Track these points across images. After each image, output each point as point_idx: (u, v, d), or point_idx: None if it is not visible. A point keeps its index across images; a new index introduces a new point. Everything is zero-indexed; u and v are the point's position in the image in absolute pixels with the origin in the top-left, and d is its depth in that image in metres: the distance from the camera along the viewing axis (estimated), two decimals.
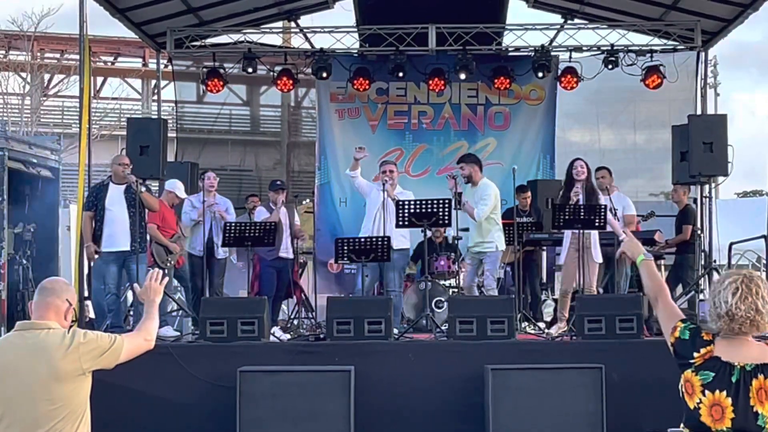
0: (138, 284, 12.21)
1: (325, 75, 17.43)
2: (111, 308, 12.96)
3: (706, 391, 4.64)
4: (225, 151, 21.08)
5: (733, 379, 4.62)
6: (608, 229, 12.78)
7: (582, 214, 12.64)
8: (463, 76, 17.34)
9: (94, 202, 13.01)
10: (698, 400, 4.65)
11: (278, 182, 14.49)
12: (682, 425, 4.76)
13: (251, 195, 16.26)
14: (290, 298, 14.61)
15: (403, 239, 13.68)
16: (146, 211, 13.10)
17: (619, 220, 13.16)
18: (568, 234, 13.14)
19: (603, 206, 12.69)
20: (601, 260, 13.03)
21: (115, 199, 12.87)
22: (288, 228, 13.99)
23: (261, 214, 14.10)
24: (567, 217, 12.69)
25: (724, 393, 4.61)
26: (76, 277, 13.05)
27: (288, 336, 12.99)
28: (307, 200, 16.36)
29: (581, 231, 12.69)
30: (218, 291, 14.00)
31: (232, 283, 15.40)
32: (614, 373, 10.84)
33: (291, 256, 14.01)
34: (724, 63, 39.45)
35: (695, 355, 4.71)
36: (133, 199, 12.83)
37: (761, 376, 4.62)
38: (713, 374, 4.65)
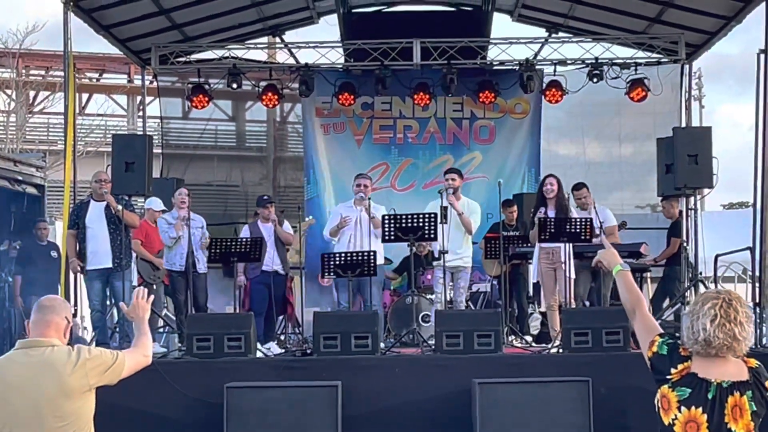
0: (123, 301, 12.28)
1: (309, 92, 17.44)
2: (96, 325, 13.00)
3: (682, 407, 4.63)
4: (211, 167, 21.04)
5: (710, 396, 4.61)
6: (595, 241, 12.80)
7: (569, 227, 12.66)
8: (443, 91, 17.38)
9: (76, 221, 13.06)
10: (674, 416, 4.64)
11: (265, 197, 14.50)
12: None
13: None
14: (284, 313, 14.57)
15: (380, 255, 13.77)
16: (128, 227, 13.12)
17: (603, 233, 13.16)
18: (537, 250, 13.21)
19: (588, 219, 12.71)
20: (574, 276, 13.03)
21: (96, 217, 12.92)
22: (274, 242, 13.93)
23: (245, 234, 14.06)
24: (553, 230, 12.71)
25: (700, 409, 4.61)
26: (62, 295, 13.03)
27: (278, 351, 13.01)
28: (310, 217, 16.32)
29: (569, 245, 12.72)
30: (203, 306, 13.94)
31: (217, 298, 15.36)
32: (601, 386, 10.83)
33: (280, 269, 13.93)
34: (703, 75, 39.51)
35: (672, 371, 4.70)
36: (113, 216, 12.85)
37: (737, 394, 4.62)
38: (690, 390, 4.64)
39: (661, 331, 4.93)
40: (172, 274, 14.06)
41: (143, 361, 5.83)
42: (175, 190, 15.82)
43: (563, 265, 12.90)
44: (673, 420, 4.64)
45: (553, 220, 12.86)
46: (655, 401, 4.74)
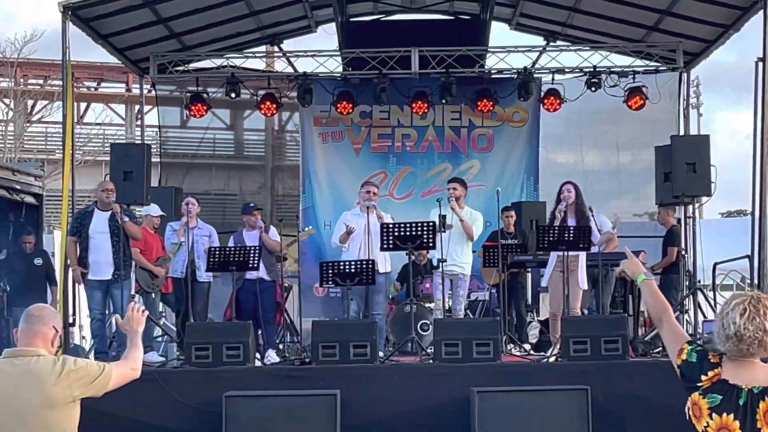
0: (122, 310, 12.28)
1: (308, 102, 17.43)
2: (95, 334, 12.97)
3: (714, 414, 4.61)
4: (209, 176, 21.04)
5: (741, 402, 4.59)
6: (593, 249, 12.80)
7: (567, 235, 12.65)
8: (444, 101, 17.34)
9: (79, 228, 12.99)
10: (706, 423, 4.63)
11: (251, 204, 14.39)
12: None
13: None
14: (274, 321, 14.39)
15: (387, 263, 13.73)
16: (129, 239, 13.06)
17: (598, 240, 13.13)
18: (553, 256, 13.16)
19: (588, 228, 12.69)
20: (586, 287, 13.02)
21: (99, 227, 12.83)
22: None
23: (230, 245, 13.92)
24: (552, 238, 12.70)
25: (732, 416, 4.59)
26: (61, 304, 13.03)
27: (276, 360, 12.98)
28: (310, 226, 16.25)
29: (566, 254, 12.70)
30: (201, 315, 13.88)
31: (216, 307, 15.32)
32: (600, 394, 10.82)
33: (265, 276, 13.80)
34: (701, 84, 39.56)
35: (703, 378, 4.68)
36: (117, 227, 12.77)
37: None
38: (721, 397, 4.62)
39: (689, 338, 4.92)
40: (174, 280, 14.06)
41: (131, 374, 5.79)
42: (174, 199, 15.84)
43: (576, 275, 12.86)
44: (705, 428, 4.63)
45: (551, 228, 12.85)
46: (686, 409, 4.73)
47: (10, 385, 5.34)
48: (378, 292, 13.53)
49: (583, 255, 12.91)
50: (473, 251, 14.06)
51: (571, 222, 12.98)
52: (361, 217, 13.64)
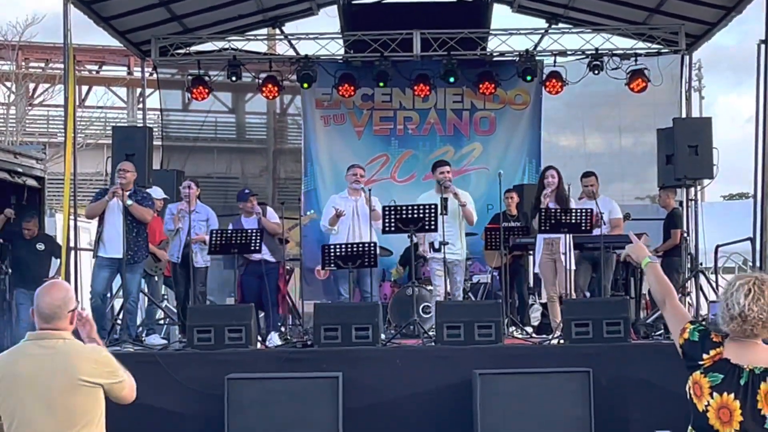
0: (128, 292, 12.27)
1: (307, 85, 17.38)
2: (95, 313, 12.89)
3: (714, 393, 4.64)
4: (211, 159, 21.04)
5: (742, 382, 4.61)
6: (595, 232, 12.81)
7: (568, 218, 12.66)
8: (452, 80, 17.30)
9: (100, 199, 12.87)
10: (707, 402, 4.65)
11: (246, 190, 14.36)
12: (690, 428, 4.76)
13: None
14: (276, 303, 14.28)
15: None
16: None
17: (605, 224, 13.16)
18: (540, 241, 13.21)
19: (588, 210, 12.70)
20: (574, 267, 13.03)
21: (118, 205, 12.65)
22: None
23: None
24: (553, 221, 12.71)
25: (732, 395, 4.61)
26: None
27: (279, 342, 12.98)
28: (312, 211, 16.20)
29: (568, 236, 12.71)
30: (199, 299, 13.85)
31: (217, 290, 15.34)
32: (602, 376, 10.85)
33: (269, 257, 13.83)
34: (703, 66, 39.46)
35: (704, 356, 4.71)
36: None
37: None
38: (722, 376, 4.65)
39: (692, 318, 4.95)
40: (171, 264, 14.06)
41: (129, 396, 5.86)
42: (175, 182, 15.80)
43: (563, 257, 12.91)
44: (706, 406, 4.65)
45: (554, 210, 12.86)
46: (687, 389, 4.75)
47: (36, 369, 5.33)
48: (368, 273, 13.54)
49: (568, 237, 12.92)
50: (474, 234, 14.07)
51: (551, 206, 13.04)
52: (350, 200, 13.71)
